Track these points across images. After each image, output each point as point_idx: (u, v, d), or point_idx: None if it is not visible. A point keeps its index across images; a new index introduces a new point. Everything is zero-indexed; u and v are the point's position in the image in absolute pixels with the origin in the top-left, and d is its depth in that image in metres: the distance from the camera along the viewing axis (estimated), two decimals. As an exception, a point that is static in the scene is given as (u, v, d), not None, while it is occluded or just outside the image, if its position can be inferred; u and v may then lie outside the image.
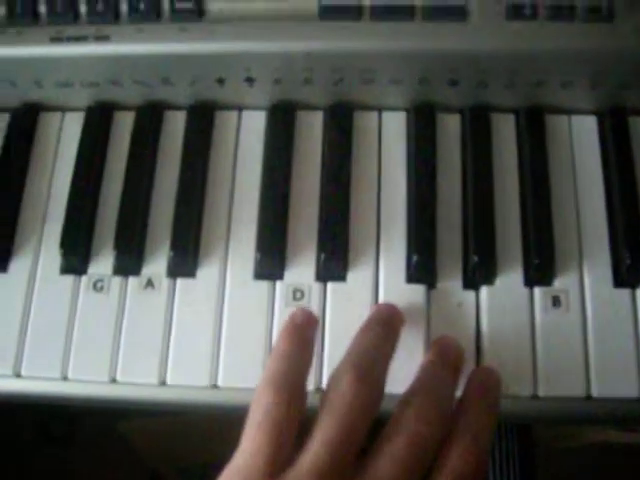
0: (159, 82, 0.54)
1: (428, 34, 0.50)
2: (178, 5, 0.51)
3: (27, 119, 0.57)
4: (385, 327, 0.47)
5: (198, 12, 0.51)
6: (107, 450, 0.88)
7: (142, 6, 0.51)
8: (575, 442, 0.80)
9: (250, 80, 0.53)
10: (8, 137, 0.56)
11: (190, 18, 0.51)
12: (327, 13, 0.51)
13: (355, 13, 0.50)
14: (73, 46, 0.52)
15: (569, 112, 0.55)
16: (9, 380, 0.51)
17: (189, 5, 0.51)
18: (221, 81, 0.53)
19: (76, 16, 0.52)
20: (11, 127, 0.57)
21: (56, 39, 0.52)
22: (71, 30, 0.52)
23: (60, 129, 0.57)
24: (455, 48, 0.50)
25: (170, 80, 0.54)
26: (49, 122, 0.57)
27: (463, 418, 0.44)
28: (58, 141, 0.57)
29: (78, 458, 0.86)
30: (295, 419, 0.42)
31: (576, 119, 0.55)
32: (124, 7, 0.52)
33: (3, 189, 0.55)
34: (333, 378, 0.43)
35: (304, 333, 0.47)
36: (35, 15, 0.53)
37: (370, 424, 0.42)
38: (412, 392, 0.44)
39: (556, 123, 0.54)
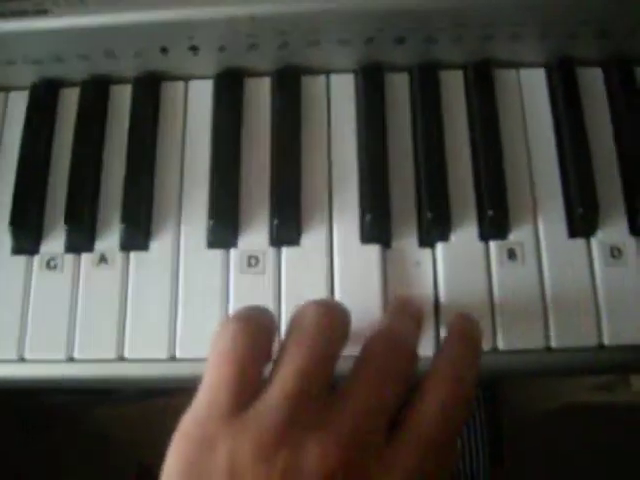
0: (102, 55, 0.53)
1: (367, -9, 0.50)
2: (117, -27, 0.50)
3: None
4: None
5: (137, -20, 0.51)
6: (84, 442, 0.88)
7: (79, -24, 0.51)
8: (548, 404, 0.81)
9: (194, 48, 0.53)
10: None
11: (129, -14, 0.51)
12: (267, -25, 0.50)
13: (294, -26, 0.50)
14: (13, 21, 0.51)
15: (518, 65, 0.54)
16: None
17: (127, -27, 0.50)
18: (165, 50, 0.53)
19: (14, -10, 0.52)
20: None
21: (-2, 15, 0.51)
22: (12, 5, 0.52)
23: (5, 108, 0.56)
24: (400, 2, 0.50)
25: (114, 53, 0.53)
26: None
27: (444, 358, 0.42)
28: (3, 120, 0.56)
29: (59, 450, 0.86)
30: (262, 350, 0.40)
31: (525, 72, 0.54)
32: (61, -22, 0.51)
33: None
34: (297, 311, 0.41)
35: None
36: (-30, -9, 0.52)
37: (340, 351, 0.40)
38: (375, 335, 0.42)
39: (505, 77, 0.54)
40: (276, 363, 0.39)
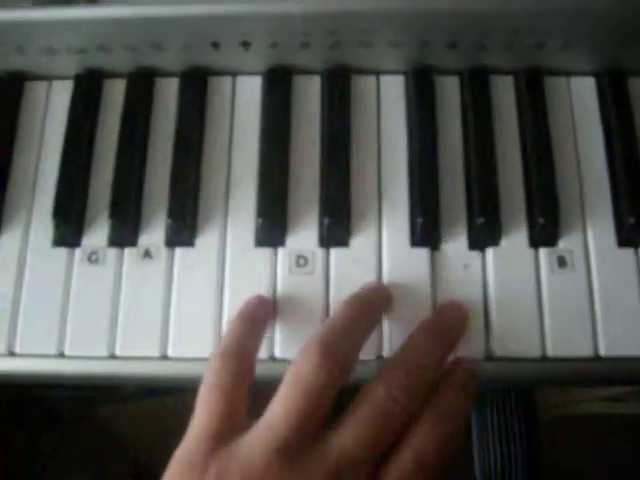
0: (150, 47, 0.52)
1: (426, -7, 0.50)
2: (171, -35, 0.50)
3: (12, 88, 0.55)
4: (365, 307, 0.46)
5: (192, -27, 0.50)
6: (88, 440, 0.86)
7: (133, -33, 0.50)
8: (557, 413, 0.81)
9: (246, 44, 0.52)
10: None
11: (184, -21, 0.50)
12: (325, -26, 0.50)
13: (353, -27, 0.50)
14: (59, 9, 0.50)
15: (568, 74, 0.54)
16: (3, 359, 0.50)
17: (183, -34, 0.50)
18: (216, 45, 0.52)
19: (63, -22, 0.51)
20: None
21: (40, 2, 0.50)
22: (58, -7, 0.51)
23: (47, 98, 0.55)
24: (455, 8, 0.50)
25: (162, 45, 0.52)
26: (35, 91, 0.55)
27: (436, 398, 0.43)
28: (45, 111, 0.55)
29: (55, 446, 0.84)
30: (245, 380, 0.43)
31: (575, 80, 0.54)
32: (113, -32, 0.51)
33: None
34: (300, 351, 0.43)
35: (256, 312, 0.47)
36: (19, -22, 0.51)
37: (333, 399, 0.42)
38: (391, 363, 0.44)
39: (555, 84, 0.54)
40: (270, 403, 0.42)
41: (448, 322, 0.48)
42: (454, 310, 0.48)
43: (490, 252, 0.50)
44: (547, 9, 0.50)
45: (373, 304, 0.47)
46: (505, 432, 0.57)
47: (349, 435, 0.41)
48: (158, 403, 0.87)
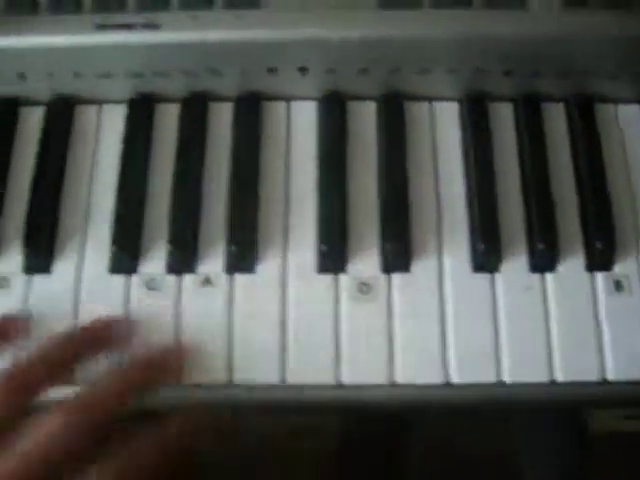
0: (207, 72, 0.52)
1: (487, 21, 0.50)
2: (232, -9, 0.50)
3: (63, 112, 0.54)
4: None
5: (254, -1, 0.50)
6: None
7: (194, -8, 0.50)
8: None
9: (303, 69, 0.52)
10: (45, 132, 0.53)
11: (245, 5, 0.50)
12: (386, 1, 0.50)
13: (414, 1, 0.50)
14: (120, 34, 0.50)
15: (616, 101, 0.55)
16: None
17: (244, -9, 0.50)
18: (273, 70, 0.52)
19: (122, 3, 0.50)
20: (48, 121, 0.54)
21: (102, 26, 0.50)
22: (118, 17, 0.50)
23: (98, 122, 0.55)
24: (514, 35, 0.50)
25: (219, 70, 0.52)
26: (86, 115, 0.55)
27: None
28: (97, 135, 0.54)
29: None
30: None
31: (623, 108, 0.56)
32: (175, -6, 0.50)
33: (42, 188, 0.52)
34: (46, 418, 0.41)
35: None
36: (78, 2, 0.50)
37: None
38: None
39: (604, 111, 0.55)
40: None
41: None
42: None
43: (549, 277, 0.50)
44: (601, 38, 0.51)
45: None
46: (556, 450, 0.57)
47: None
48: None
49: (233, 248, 0.49)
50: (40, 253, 0.50)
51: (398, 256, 0.50)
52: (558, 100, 0.55)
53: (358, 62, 0.51)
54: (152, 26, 0.50)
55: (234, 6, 0.50)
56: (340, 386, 0.48)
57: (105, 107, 0.55)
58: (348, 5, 0.50)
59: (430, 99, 0.55)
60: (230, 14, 0.50)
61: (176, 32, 0.50)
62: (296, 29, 0.50)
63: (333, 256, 0.50)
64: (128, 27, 0.50)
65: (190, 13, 0.50)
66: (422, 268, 0.50)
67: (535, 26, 0.50)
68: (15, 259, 0.51)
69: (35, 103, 0.54)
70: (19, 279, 0.50)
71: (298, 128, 0.54)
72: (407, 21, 0.50)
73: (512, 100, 0.55)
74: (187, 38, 0.50)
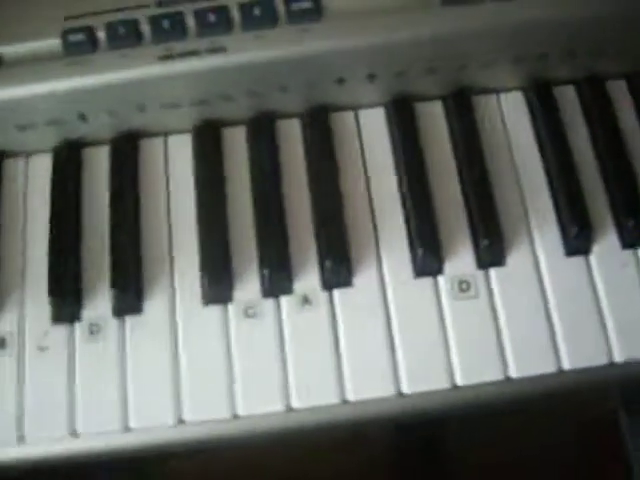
0: (274, 90, 0.51)
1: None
2: (295, 6, 0.49)
3: (129, 148, 0.53)
4: None
5: (317, 11, 0.49)
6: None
7: (257, 12, 0.49)
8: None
9: (372, 76, 0.51)
10: (113, 170, 0.52)
11: (309, 18, 0.49)
12: (449, -1, 0.50)
13: (475, -5, 0.50)
14: (185, 61, 0.49)
15: None
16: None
17: (307, 5, 0.49)
18: (341, 81, 0.51)
19: (184, 31, 0.49)
20: (114, 159, 0.53)
21: (165, 57, 0.49)
22: (180, 46, 0.49)
23: (165, 154, 0.53)
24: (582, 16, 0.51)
25: (287, 87, 0.51)
26: (152, 149, 0.54)
27: None
28: (166, 166, 0.53)
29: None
30: None
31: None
32: (236, 16, 0.49)
33: (119, 225, 0.51)
34: None
35: None
36: (138, 35, 0.49)
37: None
38: None
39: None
40: None
41: None
42: None
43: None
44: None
45: None
46: None
47: None
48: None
49: (329, 264, 0.49)
50: (129, 293, 0.49)
51: (493, 251, 0.50)
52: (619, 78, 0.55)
53: (426, 62, 0.51)
54: (218, 50, 0.49)
55: (297, 21, 0.50)
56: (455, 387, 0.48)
57: (171, 139, 0.54)
58: (410, 5, 0.50)
59: (497, 91, 0.55)
60: (294, 29, 0.49)
61: (242, 53, 0.49)
62: (362, 36, 0.50)
63: (431, 259, 0.49)
64: (193, 54, 0.49)
65: (254, 33, 0.49)
66: (516, 261, 0.50)
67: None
68: (105, 302, 0.50)
69: (98, 143, 0.54)
70: (111, 323, 0.50)
71: (369, 135, 0.54)
72: (473, 15, 0.50)
73: (574, 83, 0.55)
74: (254, 58, 0.49)
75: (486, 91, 0.54)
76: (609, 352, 0.48)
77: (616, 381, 0.50)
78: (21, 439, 0.47)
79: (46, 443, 0.48)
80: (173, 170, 0.53)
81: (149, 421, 0.47)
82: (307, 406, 0.47)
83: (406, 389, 0.47)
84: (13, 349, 0.49)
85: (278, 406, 0.47)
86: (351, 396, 0.47)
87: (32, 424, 0.48)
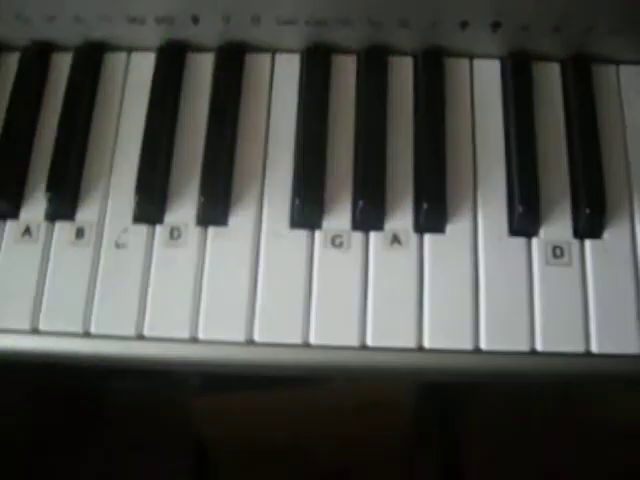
0: (394, 23, 0.50)
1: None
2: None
3: (235, 62, 0.52)
4: None
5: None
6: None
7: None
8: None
9: (496, 25, 0.50)
10: (216, 80, 0.51)
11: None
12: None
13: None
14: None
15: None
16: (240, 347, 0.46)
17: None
18: (464, 25, 0.50)
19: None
20: (219, 69, 0.51)
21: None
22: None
23: (272, 72, 0.52)
24: None
25: (408, 21, 0.49)
26: (259, 64, 0.52)
27: None
28: (271, 84, 0.52)
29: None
30: None
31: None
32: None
33: (215, 135, 0.50)
34: None
35: None
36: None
37: None
38: None
39: None
40: None
41: None
42: None
43: None
44: None
45: None
46: None
47: None
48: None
49: (427, 206, 0.47)
50: (217, 202, 0.48)
51: (593, 221, 0.48)
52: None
53: (553, 18, 0.49)
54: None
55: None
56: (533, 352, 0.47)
57: (279, 56, 0.53)
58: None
59: (617, 62, 0.53)
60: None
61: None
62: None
63: (528, 219, 0.48)
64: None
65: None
66: (614, 236, 0.49)
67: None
68: (190, 209, 0.49)
69: (204, 49, 0.52)
70: (193, 231, 0.48)
71: (481, 87, 0.52)
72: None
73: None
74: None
75: (606, 60, 0.52)
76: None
77: None
78: (87, 331, 0.47)
79: (107, 341, 0.47)
80: (277, 89, 0.52)
81: (218, 334, 0.46)
82: (381, 345, 0.46)
83: (484, 345, 0.46)
84: (90, 240, 0.49)
85: (352, 341, 0.46)
86: (427, 343, 0.46)
87: (98, 318, 0.47)
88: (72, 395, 0.79)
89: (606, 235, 0.49)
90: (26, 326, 0.47)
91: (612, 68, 0.53)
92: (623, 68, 0.53)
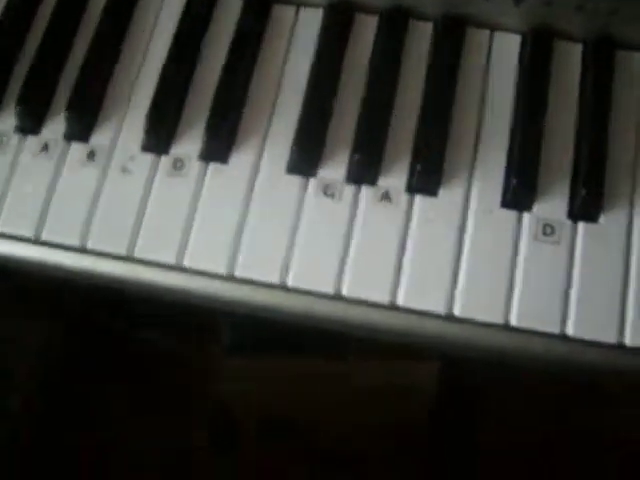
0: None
1: None
2: None
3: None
4: None
5: None
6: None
7: None
8: None
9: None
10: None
11: None
12: None
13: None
14: None
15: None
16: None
17: None
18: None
19: None
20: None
21: None
22: None
23: (294, 22, 0.54)
24: None
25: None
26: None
27: None
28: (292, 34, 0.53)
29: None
30: None
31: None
32: None
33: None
34: None
35: None
36: None
37: None
38: None
39: None
40: None
41: None
42: None
43: None
44: None
45: None
46: None
47: None
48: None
49: (419, 167, 0.48)
50: (221, 141, 0.50)
51: (588, 204, 0.47)
52: None
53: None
54: None
55: None
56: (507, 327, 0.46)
57: (303, 11, 0.54)
58: None
59: None
60: None
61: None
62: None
63: (521, 193, 0.47)
64: None
65: None
66: (610, 222, 0.48)
67: None
68: (195, 144, 0.51)
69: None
70: (195, 165, 0.50)
71: (498, 59, 0.52)
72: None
73: None
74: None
75: (630, 47, 0.51)
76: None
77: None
78: (84, 246, 0.49)
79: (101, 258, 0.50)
80: (297, 40, 0.53)
81: (201, 265, 0.48)
82: (353, 297, 0.47)
83: (458, 312, 0.46)
84: (100, 162, 0.51)
85: (327, 287, 0.47)
86: (401, 301, 0.46)
87: (96, 235, 0.49)
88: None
89: (602, 220, 0.48)
90: (30, 234, 0.50)
91: (635, 55, 0.51)
92: (647, 56, 0.52)
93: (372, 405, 0.82)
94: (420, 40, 0.52)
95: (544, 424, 0.73)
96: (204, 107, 0.51)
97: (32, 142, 0.52)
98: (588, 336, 0.45)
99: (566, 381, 0.66)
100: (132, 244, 0.49)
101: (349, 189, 0.49)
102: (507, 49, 0.52)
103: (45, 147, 0.52)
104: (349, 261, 0.47)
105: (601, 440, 0.71)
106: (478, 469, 0.76)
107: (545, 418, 0.73)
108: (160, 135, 0.51)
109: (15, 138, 0.52)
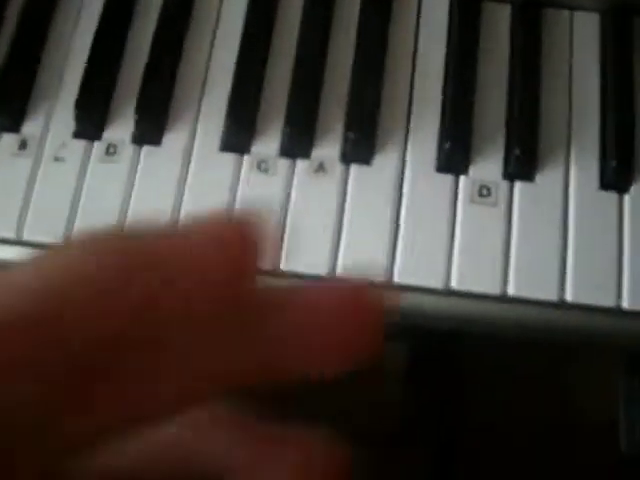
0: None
1: None
2: None
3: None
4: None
5: None
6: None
7: None
8: None
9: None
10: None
11: None
12: None
13: None
14: None
15: None
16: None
17: None
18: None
19: None
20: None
21: None
22: None
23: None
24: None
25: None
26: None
27: None
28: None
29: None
30: None
31: None
32: None
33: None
34: None
35: None
36: None
37: None
38: None
39: None
40: None
41: None
42: None
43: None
44: None
45: None
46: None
47: None
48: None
49: (351, 135, 0.47)
50: (152, 123, 0.49)
51: (523, 164, 0.47)
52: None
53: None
54: None
55: None
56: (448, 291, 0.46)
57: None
58: None
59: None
60: None
61: None
62: None
63: (455, 156, 0.47)
64: None
65: None
66: (546, 180, 0.48)
67: None
68: (126, 127, 0.50)
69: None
70: (128, 148, 0.50)
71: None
72: None
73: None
74: None
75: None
76: (618, 296, 0.46)
77: (620, 333, 0.47)
78: (19, 238, 0.49)
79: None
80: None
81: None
82: (292, 271, 0.46)
83: (397, 278, 0.46)
84: (32, 152, 0.50)
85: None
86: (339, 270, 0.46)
87: (30, 227, 0.48)
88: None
89: (538, 179, 0.48)
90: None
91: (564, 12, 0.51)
92: None
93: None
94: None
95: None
96: (134, 90, 0.51)
97: (-37, 134, 0.52)
98: (531, 295, 0.46)
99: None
100: (62, 234, 0.48)
101: (283, 163, 0.48)
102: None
103: (-26, 140, 0.51)
104: (288, 233, 0.47)
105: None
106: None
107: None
108: (91, 121, 0.50)
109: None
